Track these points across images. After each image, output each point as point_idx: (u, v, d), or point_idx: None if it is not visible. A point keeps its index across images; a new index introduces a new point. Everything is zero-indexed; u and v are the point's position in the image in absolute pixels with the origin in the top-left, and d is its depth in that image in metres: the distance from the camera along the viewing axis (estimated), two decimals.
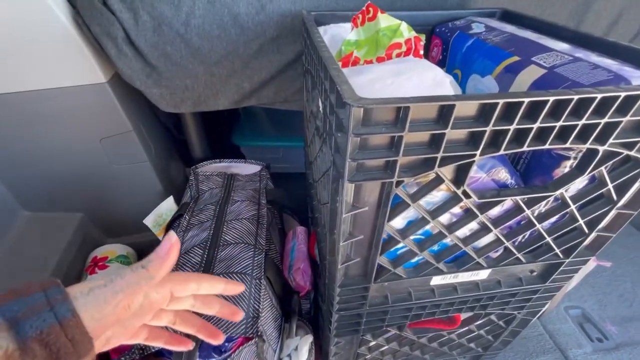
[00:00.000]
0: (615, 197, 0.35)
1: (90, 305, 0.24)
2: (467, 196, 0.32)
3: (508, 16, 0.54)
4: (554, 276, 0.45)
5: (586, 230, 0.39)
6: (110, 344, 0.28)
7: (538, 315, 0.67)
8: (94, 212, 0.78)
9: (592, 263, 0.74)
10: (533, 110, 0.26)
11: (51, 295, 0.23)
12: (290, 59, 0.58)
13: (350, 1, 0.54)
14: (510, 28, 0.46)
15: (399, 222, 0.35)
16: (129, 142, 0.67)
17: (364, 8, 0.43)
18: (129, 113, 0.64)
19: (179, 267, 0.51)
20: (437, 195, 0.33)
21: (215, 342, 0.34)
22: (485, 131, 0.26)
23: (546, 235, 0.39)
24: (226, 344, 0.39)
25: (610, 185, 0.33)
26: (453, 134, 0.26)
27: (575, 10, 0.62)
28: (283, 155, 0.98)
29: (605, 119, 0.27)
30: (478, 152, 0.27)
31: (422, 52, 0.41)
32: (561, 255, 0.42)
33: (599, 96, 0.25)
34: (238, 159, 0.76)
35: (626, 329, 0.76)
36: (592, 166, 0.31)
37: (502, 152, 0.28)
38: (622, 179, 0.33)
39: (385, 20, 0.41)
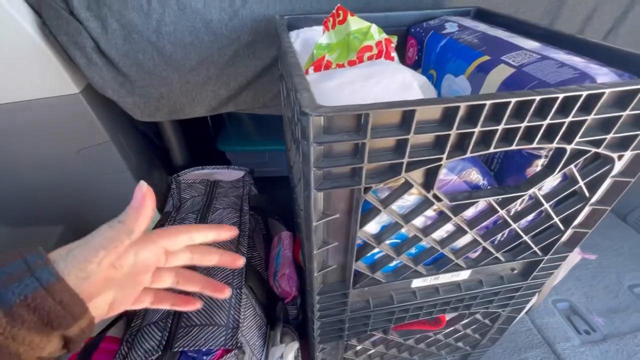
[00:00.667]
0: (587, 194, 0.35)
1: (72, 266, 0.24)
2: (439, 199, 0.31)
3: (482, 14, 0.54)
4: (534, 273, 0.45)
5: (562, 227, 0.39)
6: (114, 309, 0.28)
7: (525, 311, 0.67)
8: (76, 224, 0.76)
9: (577, 256, 0.75)
10: (497, 112, 0.26)
11: (31, 261, 0.22)
12: (267, 63, 0.57)
13: (324, 3, 0.54)
14: (482, 27, 0.46)
15: (373, 227, 0.34)
16: (108, 152, 0.66)
17: (334, 11, 0.42)
18: (106, 123, 0.63)
19: None
20: (409, 199, 0.32)
21: (222, 296, 0.34)
22: (449, 135, 0.26)
23: (523, 234, 0.39)
24: (204, 357, 0.38)
25: (581, 183, 0.33)
26: (417, 138, 0.26)
27: (549, 7, 0.63)
28: (269, 159, 0.97)
29: (569, 118, 0.27)
30: (444, 156, 0.27)
31: (393, 53, 0.41)
32: (540, 253, 0.42)
33: (561, 96, 0.25)
34: (221, 165, 0.75)
35: (612, 320, 0.76)
36: (561, 165, 0.31)
37: (469, 154, 0.27)
38: (593, 176, 0.33)
39: (355, 23, 0.41)
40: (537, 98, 0.25)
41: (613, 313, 0.78)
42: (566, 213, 0.37)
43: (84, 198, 0.72)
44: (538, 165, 0.34)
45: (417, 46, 0.52)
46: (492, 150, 0.28)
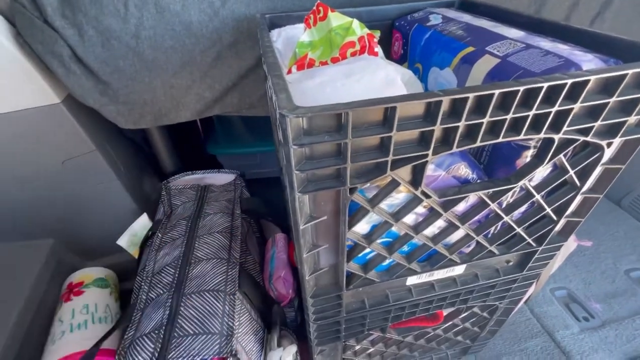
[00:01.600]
0: (578, 183, 0.35)
1: None
2: (428, 196, 0.31)
3: (466, 5, 0.53)
4: (530, 264, 0.45)
5: (555, 217, 0.38)
6: None
7: (523, 301, 0.67)
8: (66, 236, 0.75)
9: (573, 244, 0.75)
10: (481, 105, 0.25)
11: None
12: (251, 64, 0.56)
13: (306, 1, 0.53)
14: (467, 17, 0.45)
15: (363, 227, 0.34)
16: (94, 162, 0.65)
17: (314, 8, 0.41)
18: (91, 132, 0.61)
19: (151, 288, 0.49)
20: (398, 197, 0.32)
21: None
22: (433, 130, 0.25)
23: (516, 227, 0.38)
24: None
25: (572, 172, 0.33)
26: (401, 135, 0.25)
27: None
28: (260, 160, 0.96)
29: (556, 107, 0.26)
30: (430, 152, 0.26)
31: (377, 48, 0.40)
32: (534, 244, 0.42)
33: (546, 85, 0.24)
34: (212, 169, 0.74)
35: (610, 306, 0.77)
36: (550, 155, 0.30)
37: (455, 149, 0.27)
38: (582, 165, 0.33)
39: (336, 19, 0.40)
40: (521, 88, 0.24)
41: (611, 298, 0.79)
42: (558, 203, 0.37)
43: (73, 209, 0.71)
44: (527, 156, 0.33)
45: (402, 40, 0.51)
46: (478, 144, 0.27)
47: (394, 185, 0.29)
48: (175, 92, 0.56)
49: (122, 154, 0.71)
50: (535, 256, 0.44)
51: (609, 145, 0.31)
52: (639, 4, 0.69)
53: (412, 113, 0.24)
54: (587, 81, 0.25)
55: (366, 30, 0.40)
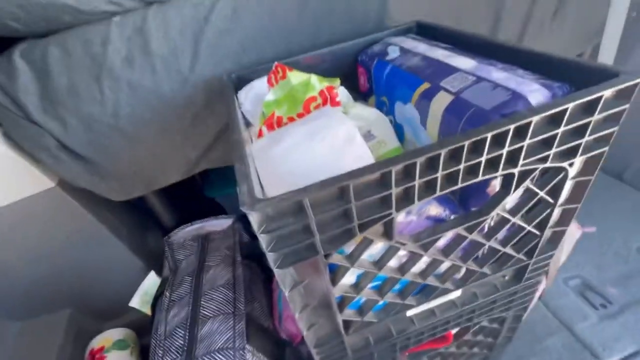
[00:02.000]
0: (552, 200, 0.35)
1: None
2: (404, 243, 0.32)
3: (423, 29, 0.54)
4: (526, 275, 0.45)
5: (538, 233, 0.39)
6: None
7: (537, 298, 0.67)
8: (82, 304, 0.78)
9: (577, 231, 0.75)
10: (432, 162, 0.26)
11: None
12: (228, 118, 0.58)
13: (269, 52, 0.55)
14: (422, 47, 0.46)
15: (348, 279, 0.35)
16: (97, 231, 0.68)
17: (274, 69, 0.43)
18: (89, 206, 0.64)
19: (165, 353, 0.51)
20: (377, 247, 0.33)
21: None
22: (391, 193, 0.26)
23: (501, 248, 0.39)
24: None
25: (542, 193, 0.34)
26: (361, 203, 0.26)
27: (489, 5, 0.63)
28: None
29: (506, 149, 0.27)
30: (393, 210, 0.28)
31: (338, 98, 0.41)
32: (525, 258, 0.42)
33: (489, 135, 0.26)
34: (210, 217, 0.76)
35: (627, 288, 0.76)
36: (514, 185, 0.31)
37: (416, 202, 0.28)
38: (551, 185, 0.33)
39: (295, 77, 0.42)
40: (466, 143, 0.25)
41: (626, 279, 0.78)
42: (538, 219, 0.37)
43: (84, 278, 0.74)
44: (496, 184, 0.34)
45: (366, 74, 0.53)
46: (438, 193, 0.28)
47: (368, 241, 0.30)
48: (161, 159, 0.58)
49: (122, 218, 0.74)
50: (530, 268, 0.44)
51: (571, 165, 0.32)
52: None
53: (367, 182, 0.26)
54: (530, 122, 0.26)
55: (325, 84, 0.41)
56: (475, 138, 0.26)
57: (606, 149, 0.32)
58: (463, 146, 0.26)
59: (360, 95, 0.57)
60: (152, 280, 0.72)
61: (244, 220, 0.78)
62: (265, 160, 0.35)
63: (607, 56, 0.63)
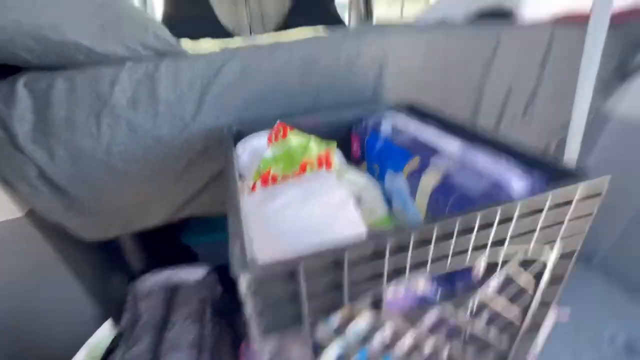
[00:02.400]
0: (532, 286, 0.36)
1: None
2: (391, 319, 0.31)
3: (413, 110, 0.60)
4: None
5: (519, 318, 0.39)
6: None
7: None
8: (21, 349, 0.67)
9: (551, 317, 0.75)
10: (423, 242, 0.27)
11: None
12: (223, 165, 0.59)
13: (271, 109, 0.58)
14: (413, 127, 0.50)
15: (332, 351, 0.33)
16: (57, 270, 0.62)
17: (275, 126, 0.45)
18: (54, 241, 0.60)
19: None
20: (363, 321, 0.32)
21: None
22: (383, 266, 0.26)
23: (483, 334, 0.38)
24: None
25: (523, 279, 0.35)
26: (354, 274, 0.26)
27: (474, 88, 0.71)
28: None
29: (492, 235, 0.29)
30: (384, 283, 0.27)
31: (333, 162, 0.43)
32: (506, 345, 0.42)
33: (477, 222, 0.27)
34: (181, 265, 0.72)
35: None
36: (498, 269, 0.32)
37: (407, 279, 0.28)
38: (531, 271, 0.35)
39: (295, 138, 0.44)
40: (456, 225, 0.27)
41: None
42: (518, 304, 0.38)
43: (31, 320, 0.65)
44: (480, 266, 0.35)
45: (359, 142, 0.56)
46: (428, 272, 0.28)
47: (356, 313, 0.29)
48: (147, 199, 0.57)
49: (87, 257, 0.68)
50: (511, 355, 0.43)
51: (550, 252, 0.33)
52: (560, 90, 0.80)
53: (360, 255, 0.26)
54: (512, 213, 0.28)
55: (323, 148, 0.43)
56: (465, 225, 0.27)
57: (582, 239, 0.34)
58: (453, 228, 0.27)
59: (352, 160, 0.60)
60: (105, 333, 0.64)
61: (220, 271, 0.74)
62: (258, 216, 0.35)
63: (573, 148, 0.70)
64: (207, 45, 0.95)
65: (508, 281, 0.35)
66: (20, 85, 0.48)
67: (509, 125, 0.78)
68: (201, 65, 0.53)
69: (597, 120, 0.92)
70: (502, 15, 0.86)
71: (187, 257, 0.85)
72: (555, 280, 0.38)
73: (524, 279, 0.34)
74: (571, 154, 0.70)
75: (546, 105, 0.79)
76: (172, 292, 0.64)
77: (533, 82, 0.76)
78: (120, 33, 0.49)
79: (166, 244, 0.90)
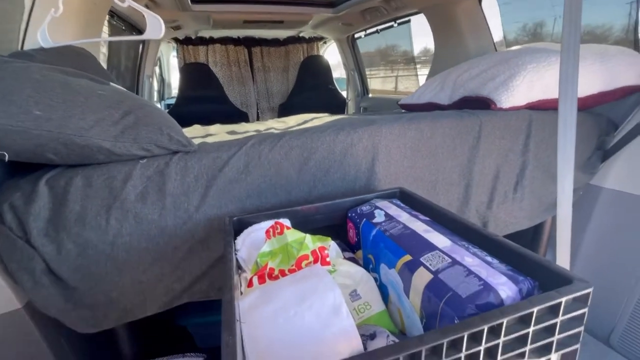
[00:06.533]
0: None
1: None
2: None
3: (405, 195, 0.63)
4: None
5: None
6: None
7: None
8: None
9: None
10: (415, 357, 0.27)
11: None
12: (221, 254, 0.60)
13: (270, 200, 0.62)
14: (404, 217, 0.53)
15: None
16: None
17: (273, 224, 0.48)
18: (47, 334, 0.58)
19: None
20: None
21: None
22: None
23: None
24: None
25: None
26: None
27: (463, 170, 0.76)
28: None
29: (482, 346, 0.29)
30: None
31: (328, 258, 0.45)
32: None
33: (465, 334, 0.28)
34: (175, 355, 0.69)
35: None
36: None
37: None
38: None
39: (291, 234, 0.46)
40: (445, 341, 0.27)
41: None
42: None
43: None
44: None
45: (354, 229, 0.58)
46: None
47: None
48: (144, 287, 0.57)
49: (77, 348, 0.66)
50: None
51: None
52: (546, 170, 0.85)
53: None
54: (502, 322, 0.29)
55: (318, 244, 0.45)
56: (454, 336, 0.28)
57: (577, 346, 0.34)
58: (442, 344, 0.27)
59: (349, 246, 0.62)
60: None
61: (216, 354, 0.71)
62: (253, 323, 0.35)
63: (564, 227, 0.71)
64: (216, 129, 1.04)
65: None
66: (43, 183, 0.52)
67: (502, 204, 0.80)
68: (208, 161, 0.59)
69: (588, 194, 0.95)
70: (483, 102, 0.95)
71: (182, 340, 0.81)
72: None
73: None
74: (562, 232, 0.71)
75: (535, 184, 0.83)
76: None
77: (519, 162, 0.81)
78: (138, 136, 0.55)
79: (160, 326, 0.87)
